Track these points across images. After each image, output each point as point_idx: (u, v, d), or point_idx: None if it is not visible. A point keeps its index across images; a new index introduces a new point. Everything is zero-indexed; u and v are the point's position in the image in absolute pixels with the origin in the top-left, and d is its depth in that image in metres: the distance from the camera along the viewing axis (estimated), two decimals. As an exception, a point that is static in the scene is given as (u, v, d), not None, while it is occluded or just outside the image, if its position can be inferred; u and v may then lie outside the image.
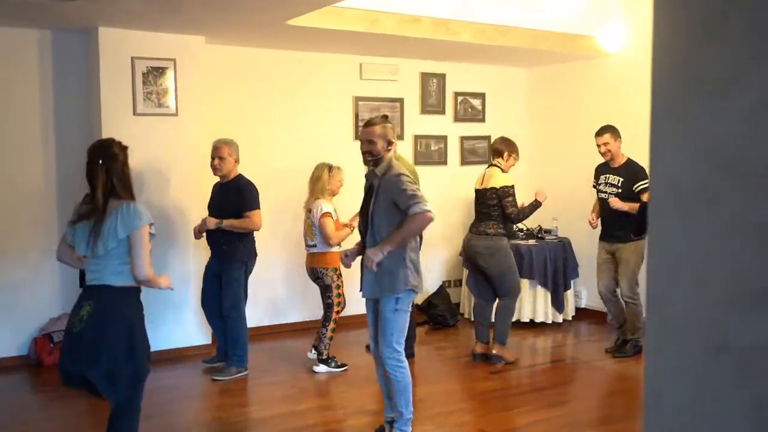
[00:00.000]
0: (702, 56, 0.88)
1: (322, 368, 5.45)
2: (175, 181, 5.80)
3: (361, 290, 4.00)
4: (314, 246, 5.43)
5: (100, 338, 3.14)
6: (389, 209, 3.81)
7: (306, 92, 6.71)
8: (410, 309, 3.98)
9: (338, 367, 5.49)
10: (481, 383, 5.33)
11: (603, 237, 5.93)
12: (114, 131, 5.46)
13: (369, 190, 3.98)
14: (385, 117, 4.04)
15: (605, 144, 5.72)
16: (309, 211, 5.44)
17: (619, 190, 5.66)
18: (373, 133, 3.88)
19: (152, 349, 5.54)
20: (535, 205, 5.58)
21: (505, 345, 5.66)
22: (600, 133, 5.77)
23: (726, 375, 0.81)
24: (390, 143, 3.92)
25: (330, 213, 5.32)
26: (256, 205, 5.20)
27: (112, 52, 5.47)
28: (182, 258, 5.85)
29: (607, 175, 5.82)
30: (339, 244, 5.38)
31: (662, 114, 0.97)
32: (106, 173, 3.25)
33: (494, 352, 5.61)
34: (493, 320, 5.81)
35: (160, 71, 5.64)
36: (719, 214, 0.83)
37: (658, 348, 0.93)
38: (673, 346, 0.90)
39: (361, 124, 7.00)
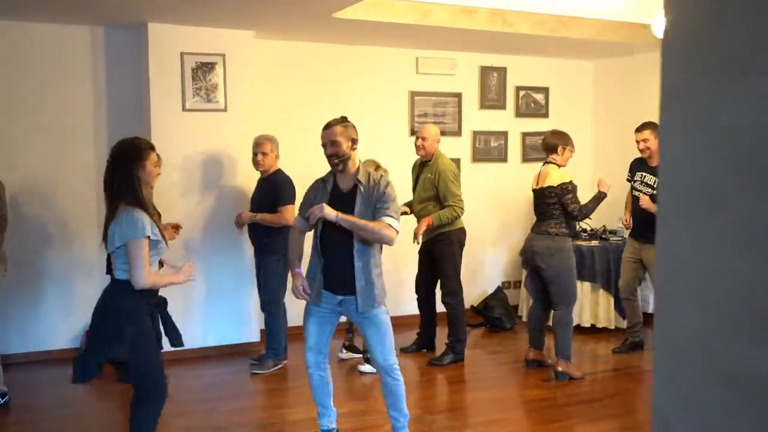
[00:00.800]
0: (717, 31, 0.75)
1: (367, 368, 5.32)
2: (225, 176, 5.78)
3: (320, 307, 3.87)
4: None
5: (102, 329, 3.20)
6: (370, 216, 3.68)
7: (359, 87, 6.58)
8: None
9: (383, 368, 5.34)
10: (532, 391, 5.07)
11: (632, 234, 5.74)
12: (163, 127, 5.50)
13: (341, 195, 3.77)
14: (344, 118, 3.84)
15: (644, 141, 5.46)
16: None
17: (655, 192, 5.30)
18: (335, 134, 3.70)
19: (205, 345, 5.68)
20: (599, 197, 5.24)
21: (570, 359, 5.26)
22: (640, 129, 5.50)
23: (739, 409, 0.73)
24: (355, 142, 3.76)
25: None
26: (289, 201, 5.19)
27: (161, 47, 5.47)
28: (236, 253, 5.83)
29: (644, 174, 5.55)
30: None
31: (670, 103, 0.84)
32: (113, 174, 3.22)
33: (559, 369, 5.22)
34: (548, 325, 5.54)
35: (209, 66, 5.62)
36: (727, 221, 0.73)
37: (667, 375, 0.86)
38: (682, 373, 0.83)
39: (417, 119, 6.88)
